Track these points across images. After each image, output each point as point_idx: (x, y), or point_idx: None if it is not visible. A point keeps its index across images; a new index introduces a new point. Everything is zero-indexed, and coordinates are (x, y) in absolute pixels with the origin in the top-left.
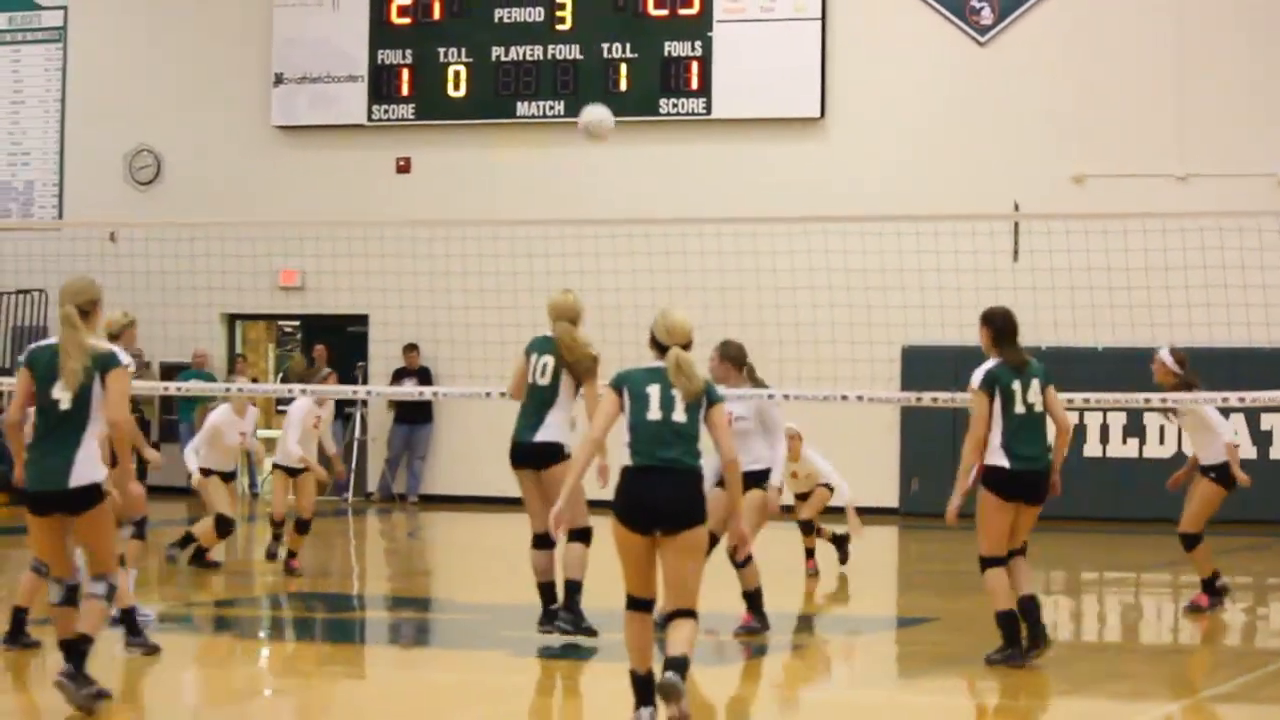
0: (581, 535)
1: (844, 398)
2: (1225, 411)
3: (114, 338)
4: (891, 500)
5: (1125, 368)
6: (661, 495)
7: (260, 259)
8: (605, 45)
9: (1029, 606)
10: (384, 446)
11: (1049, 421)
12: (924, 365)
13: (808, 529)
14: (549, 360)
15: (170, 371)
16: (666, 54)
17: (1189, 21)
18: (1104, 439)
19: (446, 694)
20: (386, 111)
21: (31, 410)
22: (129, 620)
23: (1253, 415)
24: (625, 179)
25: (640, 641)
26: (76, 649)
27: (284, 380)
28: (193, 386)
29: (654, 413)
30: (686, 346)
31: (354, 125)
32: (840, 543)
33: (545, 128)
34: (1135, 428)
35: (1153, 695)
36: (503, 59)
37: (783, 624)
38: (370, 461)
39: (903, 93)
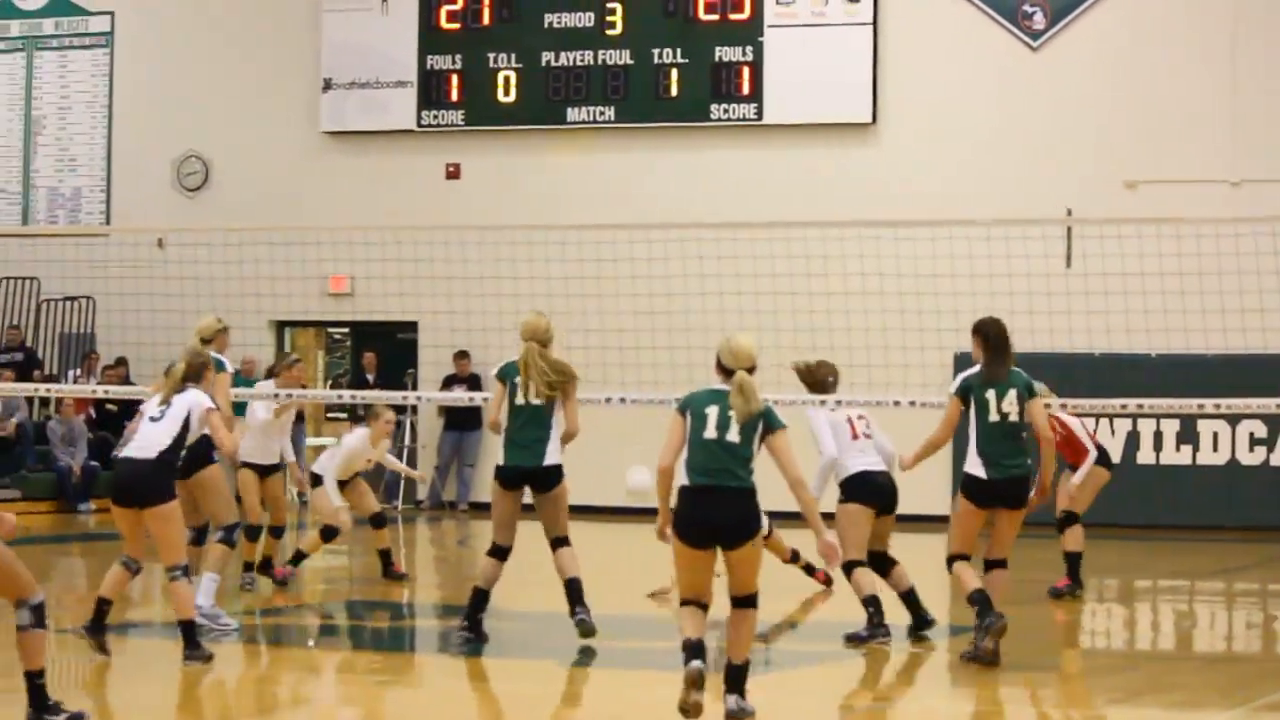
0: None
1: (896, 403)
2: None
3: (206, 342)
4: (943, 507)
5: (1178, 374)
6: (717, 515)
7: (309, 265)
8: (656, 50)
9: (979, 598)
10: (434, 454)
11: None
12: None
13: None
14: (533, 382)
15: None
16: (717, 59)
17: (1242, 26)
18: (1157, 446)
19: (496, 703)
20: (436, 117)
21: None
22: (188, 632)
23: None
24: (676, 184)
25: (696, 621)
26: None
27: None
28: (241, 393)
29: (710, 432)
30: (751, 370)
31: (403, 131)
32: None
33: (595, 133)
34: (1189, 434)
35: (1205, 704)
36: (553, 64)
37: (834, 632)
38: (420, 469)
39: (955, 97)
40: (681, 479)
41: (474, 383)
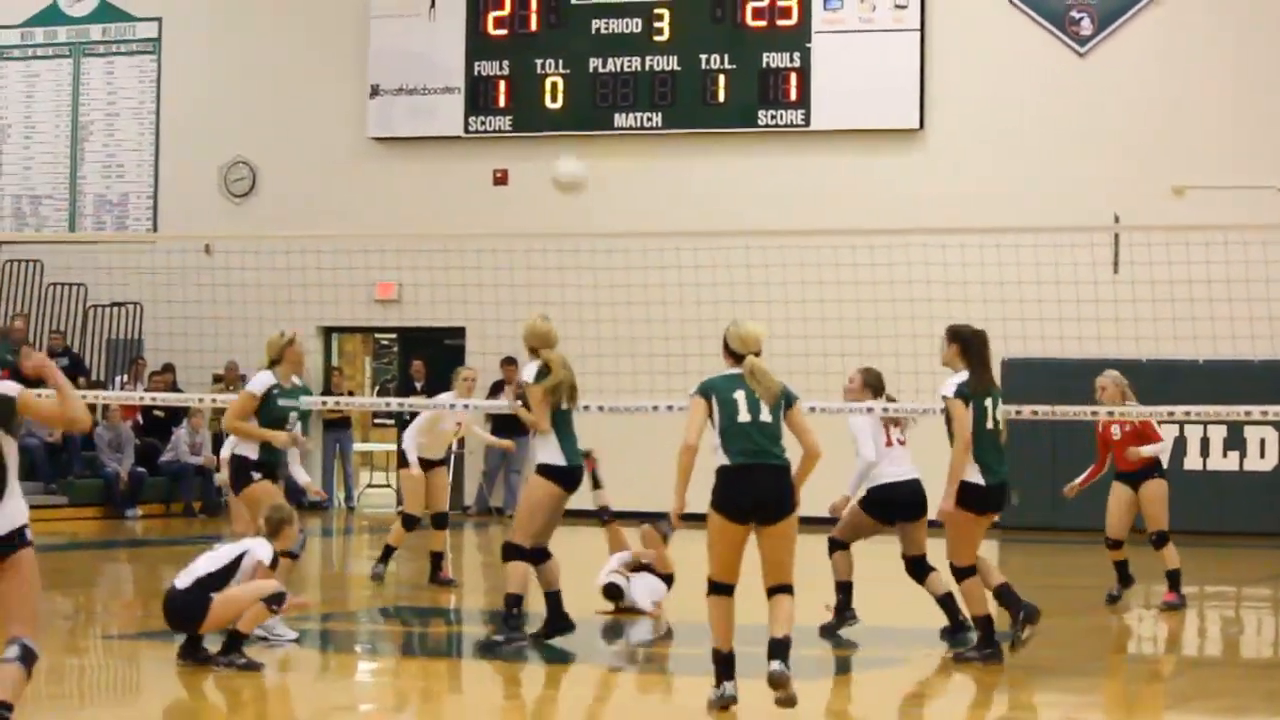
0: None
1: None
2: None
3: (275, 363)
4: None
5: (1226, 380)
6: (761, 489)
7: (356, 271)
8: (703, 56)
9: (1006, 591)
10: (480, 460)
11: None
12: (1024, 378)
13: None
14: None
15: None
16: (765, 65)
17: None
18: (1204, 452)
19: (546, 709)
20: (483, 123)
21: None
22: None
23: None
24: (723, 190)
25: (725, 623)
26: None
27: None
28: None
29: (744, 415)
30: (757, 354)
31: (451, 137)
32: None
33: (643, 139)
34: (1236, 441)
35: (1252, 711)
36: (600, 70)
37: (879, 637)
38: (467, 475)
39: (1002, 103)
40: (720, 459)
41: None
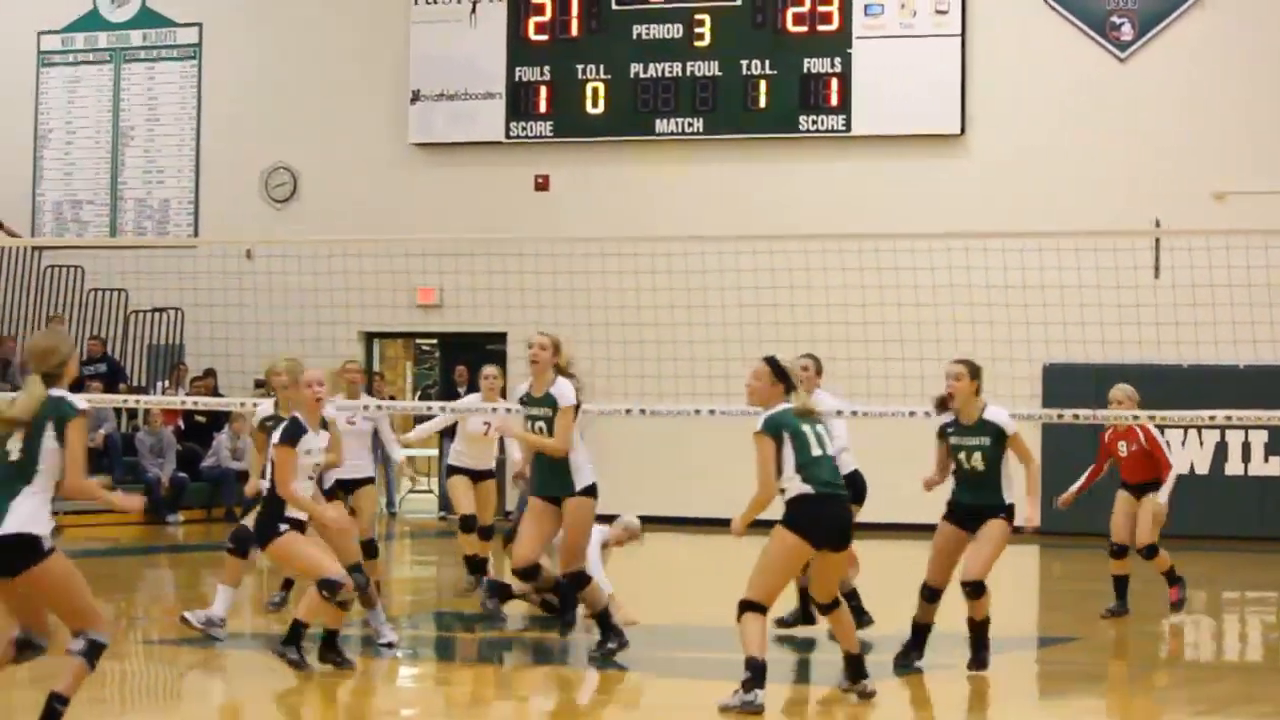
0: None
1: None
2: None
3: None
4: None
5: (1267, 385)
6: (842, 520)
7: (398, 276)
8: (744, 62)
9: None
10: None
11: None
12: (1065, 383)
13: None
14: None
15: None
16: (806, 70)
17: None
18: (1245, 457)
19: (587, 714)
20: (524, 129)
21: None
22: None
23: None
24: (765, 196)
25: (764, 637)
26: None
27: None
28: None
29: (816, 449)
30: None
31: (492, 143)
32: None
33: (684, 145)
34: (1277, 446)
35: None
36: (641, 76)
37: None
38: (508, 479)
39: (1043, 108)
40: (799, 489)
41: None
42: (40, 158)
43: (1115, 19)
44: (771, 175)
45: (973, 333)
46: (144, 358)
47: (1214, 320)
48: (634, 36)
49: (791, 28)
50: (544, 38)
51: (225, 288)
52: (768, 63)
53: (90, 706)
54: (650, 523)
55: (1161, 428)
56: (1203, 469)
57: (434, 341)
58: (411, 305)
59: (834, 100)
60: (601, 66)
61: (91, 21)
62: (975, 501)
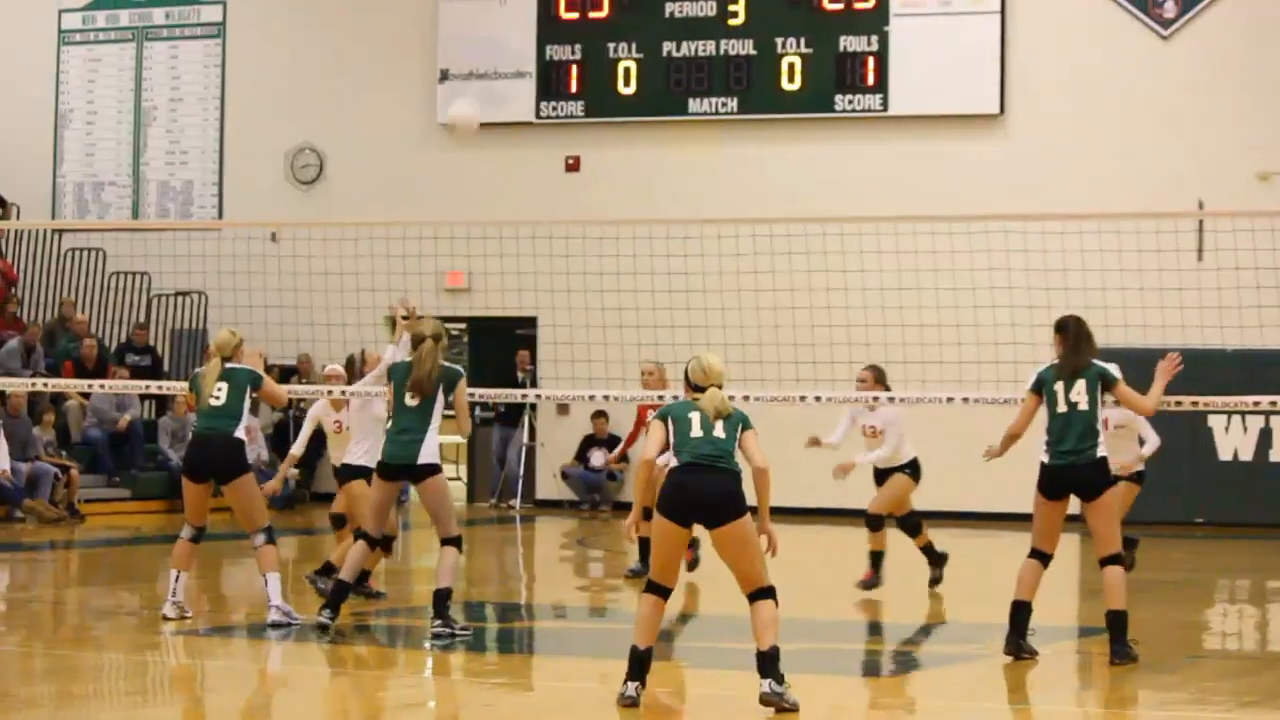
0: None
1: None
2: None
3: (227, 359)
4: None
5: None
6: (703, 491)
7: (425, 259)
8: (779, 40)
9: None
10: (555, 452)
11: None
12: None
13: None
14: None
15: None
16: (842, 49)
17: None
18: None
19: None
20: (555, 109)
21: None
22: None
23: None
24: (799, 177)
25: (651, 622)
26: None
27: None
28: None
29: (696, 431)
30: (719, 386)
31: (522, 123)
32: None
33: (718, 125)
34: None
35: None
36: (674, 55)
37: (961, 632)
38: (539, 468)
39: (1084, 88)
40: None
41: (612, 443)
42: (61, 139)
43: None
44: (807, 156)
45: (1011, 316)
46: (167, 342)
47: (1258, 304)
48: (666, 15)
49: (828, 5)
50: (575, 15)
51: (250, 271)
52: (803, 41)
53: (115, 699)
54: None
55: (1205, 413)
56: (1246, 455)
57: (463, 326)
58: (439, 289)
59: (871, 80)
60: (633, 45)
61: None
62: None
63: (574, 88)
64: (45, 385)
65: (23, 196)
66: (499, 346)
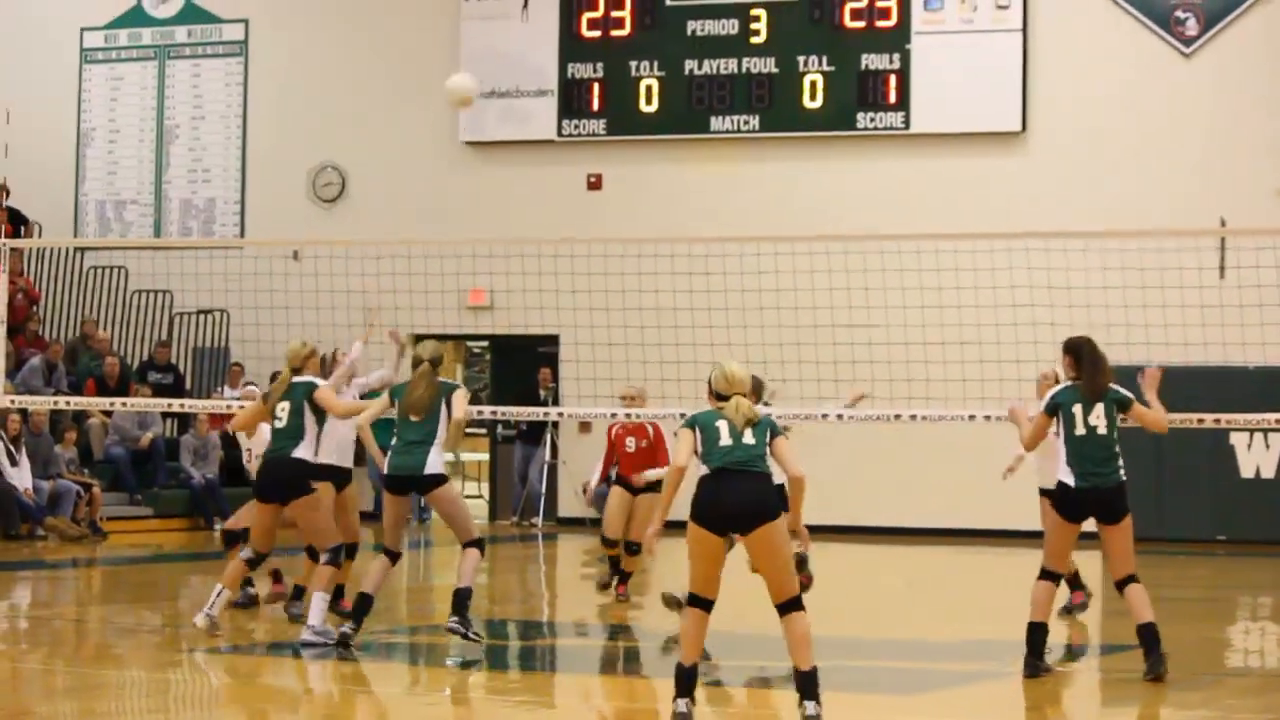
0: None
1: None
2: None
3: (296, 371)
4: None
5: None
6: (736, 496)
7: (448, 278)
8: (801, 58)
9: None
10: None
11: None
12: (1128, 384)
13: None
14: None
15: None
16: (863, 67)
17: None
18: None
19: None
20: (577, 127)
21: None
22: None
23: None
24: (822, 195)
25: (695, 637)
26: None
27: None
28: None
29: (725, 440)
30: (743, 395)
31: (544, 141)
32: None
33: (740, 143)
34: None
35: None
36: (695, 73)
37: (984, 649)
38: (561, 485)
39: (1106, 105)
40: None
41: None
42: (83, 157)
43: (1180, 14)
44: (829, 174)
45: (1034, 334)
46: (189, 360)
47: None
48: (688, 33)
49: (849, 23)
50: (597, 34)
51: (272, 289)
52: (825, 59)
53: (137, 717)
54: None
55: (1227, 430)
56: (1268, 473)
57: (485, 344)
58: (461, 307)
59: (893, 97)
60: (655, 63)
61: (135, 18)
62: None
63: (596, 106)
64: (67, 403)
65: (45, 215)
66: (521, 364)
